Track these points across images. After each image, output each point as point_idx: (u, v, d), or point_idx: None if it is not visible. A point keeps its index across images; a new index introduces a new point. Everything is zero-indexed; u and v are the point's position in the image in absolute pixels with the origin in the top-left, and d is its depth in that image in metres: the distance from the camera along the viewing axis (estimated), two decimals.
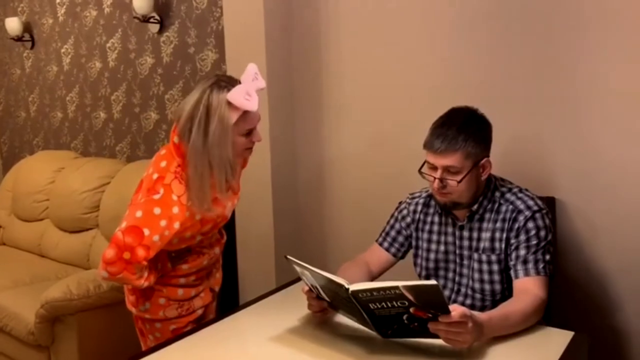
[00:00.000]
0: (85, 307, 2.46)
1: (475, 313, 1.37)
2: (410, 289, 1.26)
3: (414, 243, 1.81)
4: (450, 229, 1.73)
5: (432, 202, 1.77)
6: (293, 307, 1.66)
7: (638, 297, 1.90)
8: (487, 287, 1.66)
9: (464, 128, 1.58)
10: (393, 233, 1.84)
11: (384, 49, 2.35)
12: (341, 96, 2.50)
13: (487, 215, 1.66)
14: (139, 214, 1.58)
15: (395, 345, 1.43)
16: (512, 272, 1.60)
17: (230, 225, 2.48)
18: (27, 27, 4.10)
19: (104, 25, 3.59)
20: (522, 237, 1.59)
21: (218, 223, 1.79)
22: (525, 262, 1.57)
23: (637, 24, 1.79)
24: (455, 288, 1.73)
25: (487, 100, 1.82)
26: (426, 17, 2.21)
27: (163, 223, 1.57)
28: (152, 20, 3.20)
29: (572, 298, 2.01)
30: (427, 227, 1.78)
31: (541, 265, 1.56)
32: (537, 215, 1.60)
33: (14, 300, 2.74)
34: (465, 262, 1.70)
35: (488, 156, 1.64)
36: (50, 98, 4.09)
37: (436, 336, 1.34)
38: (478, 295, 1.68)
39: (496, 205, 1.66)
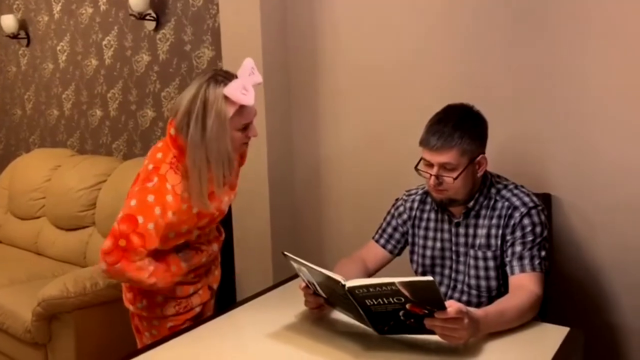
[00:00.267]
0: (82, 304, 2.46)
1: (471, 309, 1.38)
2: (406, 285, 1.27)
3: (410, 240, 1.82)
4: (446, 226, 1.73)
5: (429, 199, 1.77)
6: (290, 303, 1.66)
7: (634, 293, 1.91)
8: (483, 283, 1.67)
9: (459, 125, 1.58)
10: (389, 230, 1.85)
11: (382, 46, 2.35)
12: (338, 93, 2.50)
13: (483, 212, 1.67)
14: (133, 202, 1.58)
15: (391, 341, 1.43)
16: (507, 269, 1.61)
17: (227, 222, 2.48)
18: (22, 25, 4.09)
19: (99, 22, 3.59)
20: (518, 233, 1.60)
21: (215, 218, 1.79)
22: (521, 258, 1.58)
23: (633, 23, 1.80)
24: (452, 284, 1.74)
25: (483, 97, 1.82)
26: (424, 16, 2.22)
27: (157, 211, 1.57)
28: (148, 17, 3.20)
29: (568, 294, 2.02)
30: (423, 224, 1.79)
31: (537, 262, 1.57)
32: (533, 211, 1.61)
33: (11, 298, 2.73)
34: (461, 258, 1.71)
35: (484, 153, 1.64)
36: (46, 96, 4.08)
37: (432, 332, 1.34)
38: (474, 292, 1.69)
39: (492, 202, 1.66)
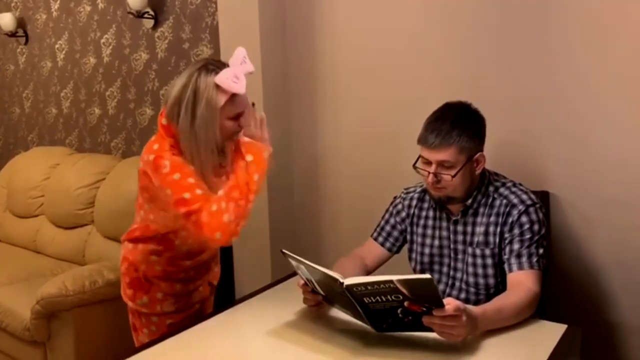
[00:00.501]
0: (81, 303, 2.46)
1: (469, 307, 1.38)
2: (404, 282, 1.27)
3: (408, 237, 1.82)
4: (444, 224, 1.74)
5: (427, 197, 1.78)
6: (289, 301, 1.67)
7: (632, 291, 1.91)
8: (481, 281, 1.67)
9: (457, 123, 1.59)
10: (388, 228, 1.85)
11: (380, 43, 2.35)
12: (337, 91, 2.50)
13: (481, 210, 1.67)
14: (168, 191, 1.57)
15: (389, 339, 1.44)
16: (505, 266, 1.61)
17: None
18: (20, 23, 4.08)
19: (98, 20, 3.58)
20: (516, 231, 1.60)
21: None
22: (519, 256, 1.58)
23: (630, 21, 1.80)
24: (450, 282, 1.74)
25: (481, 95, 1.82)
26: (422, 14, 2.22)
27: (191, 180, 1.57)
28: (146, 15, 3.19)
29: (566, 292, 2.02)
30: (421, 222, 1.79)
31: (535, 259, 1.57)
32: (531, 209, 1.61)
33: (10, 296, 2.74)
34: (460, 256, 1.71)
35: (482, 150, 1.64)
36: (44, 94, 4.07)
37: (430, 330, 1.35)
38: (472, 289, 1.69)
39: (490, 200, 1.66)
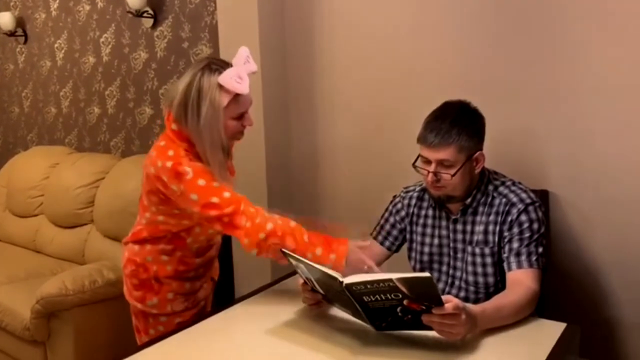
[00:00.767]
0: (81, 302, 2.46)
1: (469, 305, 1.38)
2: (403, 281, 1.27)
3: (408, 236, 1.82)
4: (444, 223, 1.74)
5: (426, 196, 1.78)
6: (288, 300, 1.67)
7: (631, 289, 1.91)
8: (480, 279, 1.67)
9: (457, 122, 1.59)
10: (387, 227, 1.85)
11: (380, 43, 2.35)
12: (336, 90, 2.50)
13: (480, 209, 1.67)
14: (194, 197, 1.57)
15: (389, 337, 1.44)
16: (505, 265, 1.61)
17: None
18: (20, 22, 4.08)
19: (97, 20, 3.58)
20: (515, 229, 1.61)
21: None
22: (518, 254, 1.58)
23: (628, 19, 1.80)
24: (449, 281, 1.74)
25: (480, 93, 1.82)
26: (420, 11, 2.22)
27: (216, 184, 1.59)
28: (145, 14, 3.19)
29: (565, 290, 2.02)
30: (421, 221, 1.79)
31: (534, 258, 1.57)
32: (530, 208, 1.61)
33: (9, 296, 2.74)
34: (459, 255, 1.71)
35: (481, 149, 1.64)
36: (43, 93, 4.07)
37: (430, 328, 1.35)
38: (472, 288, 1.69)
39: (489, 199, 1.67)
